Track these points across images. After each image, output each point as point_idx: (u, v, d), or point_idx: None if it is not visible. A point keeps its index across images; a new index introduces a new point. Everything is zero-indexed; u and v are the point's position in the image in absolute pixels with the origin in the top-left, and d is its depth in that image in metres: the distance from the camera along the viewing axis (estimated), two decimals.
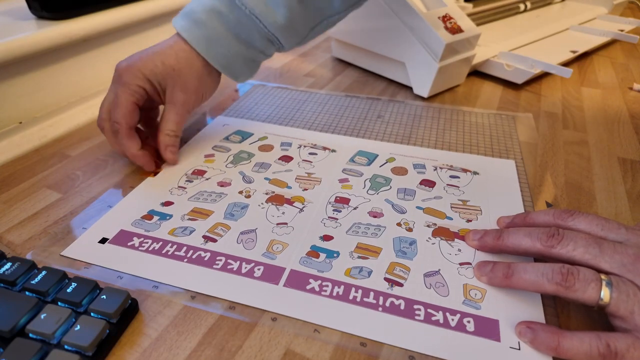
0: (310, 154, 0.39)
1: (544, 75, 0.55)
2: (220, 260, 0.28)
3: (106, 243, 0.29)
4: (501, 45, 0.56)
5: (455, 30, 0.46)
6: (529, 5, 0.68)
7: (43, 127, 0.42)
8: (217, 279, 0.27)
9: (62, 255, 0.29)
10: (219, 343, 0.24)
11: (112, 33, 0.50)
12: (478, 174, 0.37)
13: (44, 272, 0.25)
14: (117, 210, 0.33)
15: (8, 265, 0.26)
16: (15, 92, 0.43)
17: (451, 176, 0.37)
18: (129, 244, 0.29)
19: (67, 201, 0.34)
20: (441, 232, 0.31)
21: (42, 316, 0.23)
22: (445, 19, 0.47)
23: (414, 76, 0.50)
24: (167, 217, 0.32)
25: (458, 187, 0.35)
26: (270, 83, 0.54)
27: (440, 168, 0.38)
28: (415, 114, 0.47)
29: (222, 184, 0.35)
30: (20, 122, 0.43)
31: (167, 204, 0.33)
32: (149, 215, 0.32)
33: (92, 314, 0.24)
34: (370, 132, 0.43)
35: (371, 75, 0.56)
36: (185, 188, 0.35)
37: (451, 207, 0.33)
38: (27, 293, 0.25)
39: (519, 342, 0.23)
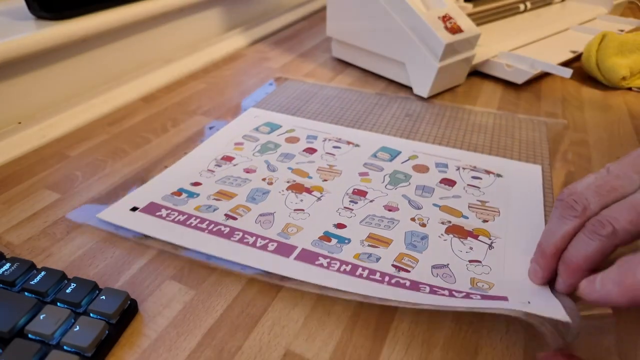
0: (334, 147, 0.41)
1: (544, 75, 0.55)
2: (238, 234, 0.30)
3: (136, 211, 0.32)
4: (501, 45, 0.55)
5: (455, 30, 0.46)
6: (529, 5, 0.67)
7: (42, 127, 0.42)
8: (233, 247, 0.29)
9: (98, 217, 0.31)
10: (219, 344, 0.24)
11: (112, 33, 0.50)
12: (501, 176, 0.37)
13: (43, 273, 0.25)
14: (150, 186, 0.35)
15: (7, 265, 0.26)
16: (14, 92, 0.43)
17: (473, 177, 0.37)
18: (157, 213, 0.32)
19: (67, 202, 0.34)
20: (455, 230, 0.31)
21: (42, 317, 0.23)
22: (445, 19, 0.47)
23: (414, 76, 0.50)
24: (195, 195, 0.34)
25: (479, 187, 0.35)
26: (306, 79, 0.54)
27: (463, 168, 0.38)
28: (442, 114, 0.47)
29: (247, 171, 0.37)
30: (19, 122, 0.43)
31: (196, 184, 0.35)
32: (179, 192, 0.34)
33: (91, 314, 0.24)
34: (396, 129, 0.44)
35: (371, 75, 0.56)
36: (213, 171, 0.37)
37: (469, 206, 0.33)
38: (26, 294, 0.25)
39: (528, 300, 0.24)
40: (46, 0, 0.43)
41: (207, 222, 0.31)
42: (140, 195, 0.34)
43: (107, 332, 0.23)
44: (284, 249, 0.29)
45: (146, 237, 0.30)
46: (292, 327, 0.25)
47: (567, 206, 0.25)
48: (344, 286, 0.25)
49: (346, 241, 0.30)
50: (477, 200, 0.34)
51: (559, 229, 0.25)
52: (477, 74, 0.55)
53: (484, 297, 0.25)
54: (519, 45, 0.57)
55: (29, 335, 0.22)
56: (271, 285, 0.27)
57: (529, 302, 0.24)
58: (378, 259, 0.28)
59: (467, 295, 0.25)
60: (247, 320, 0.25)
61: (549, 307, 0.23)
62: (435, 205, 0.33)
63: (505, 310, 0.22)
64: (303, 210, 0.33)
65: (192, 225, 0.31)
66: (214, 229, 0.30)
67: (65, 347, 0.22)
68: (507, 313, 0.22)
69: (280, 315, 0.25)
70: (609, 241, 0.22)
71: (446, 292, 0.25)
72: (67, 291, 0.24)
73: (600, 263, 0.23)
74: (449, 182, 0.36)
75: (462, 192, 0.35)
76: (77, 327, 0.23)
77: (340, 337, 0.24)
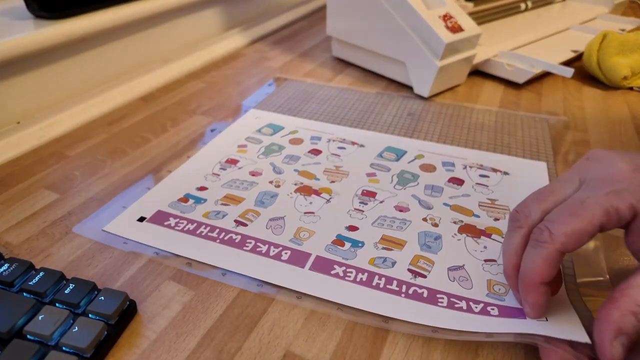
0: (339, 148, 0.40)
1: (545, 74, 0.54)
2: (250, 242, 0.29)
3: (144, 222, 0.31)
4: (502, 44, 0.55)
5: (456, 29, 0.46)
6: (529, 4, 0.67)
7: (41, 127, 0.42)
8: (247, 259, 0.28)
9: (104, 230, 0.31)
10: (218, 344, 0.24)
11: (111, 33, 0.50)
12: (508, 174, 0.37)
13: (41, 273, 0.25)
14: (155, 192, 0.34)
15: (6, 266, 0.26)
16: (13, 92, 0.43)
17: (481, 175, 0.37)
18: (165, 223, 0.31)
19: (66, 202, 0.34)
20: (467, 229, 0.31)
21: (40, 317, 0.23)
22: (446, 18, 0.47)
23: (415, 76, 0.50)
24: (202, 201, 0.33)
25: (487, 186, 0.35)
26: (305, 79, 0.54)
27: (470, 167, 0.38)
28: (444, 113, 0.47)
29: (253, 174, 0.37)
30: (19, 122, 0.43)
31: (202, 189, 0.35)
32: (185, 198, 0.34)
33: (90, 315, 0.24)
34: (399, 129, 0.44)
35: (371, 74, 0.56)
36: (219, 175, 0.37)
37: (479, 205, 0.33)
38: (24, 294, 0.25)
39: (546, 317, 0.23)
40: (45, 0, 0.43)
41: (217, 230, 0.30)
42: (146, 204, 0.33)
43: (106, 332, 0.23)
44: (298, 258, 0.28)
45: (157, 252, 0.29)
46: (291, 328, 0.24)
47: (512, 219, 0.24)
48: (363, 305, 0.25)
49: (360, 245, 0.29)
50: (487, 199, 0.34)
51: (509, 244, 0.24)
52: (478, 73, 0.55)
53: (501, 311, 0.25)
54: (519, 45, 0.57)
55: (28, 336, 0.22)
56: (272, 293, 0.27)
57: (546, 319, 0.23)
58: (394, 264, 0.28)
59: (485, 309, 0.25)
60: (246, 321, 0.25)
61: (568, 325, 0.23)
62: (445, 204, 0.33)
63: (523, 337, 0.22)
64: (313, 213, 0.32)
65: (203, 234, 0.30)
66: (225, 238, 0.30)
67: (64, 348, 0.22)
68: (525, 341, 0.22)
69: (279, 316, 0.25)
70: (551, 246, 0.21)
71: (463, 304, 0.25)
72: (66, 292, 0.24)
73: (553, 274, 0.22)
74: (457, 181, 0.36)
75: (471, 191, 0.35)
76: (76, 327, 0.22)
77: (340, 338, 0.24)
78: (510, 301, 0.25)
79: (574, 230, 0.21)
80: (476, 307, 0.25)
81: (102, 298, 0.24)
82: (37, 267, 0.26)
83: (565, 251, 0.21)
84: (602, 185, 0.21)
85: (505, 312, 0.24)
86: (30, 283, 0.25)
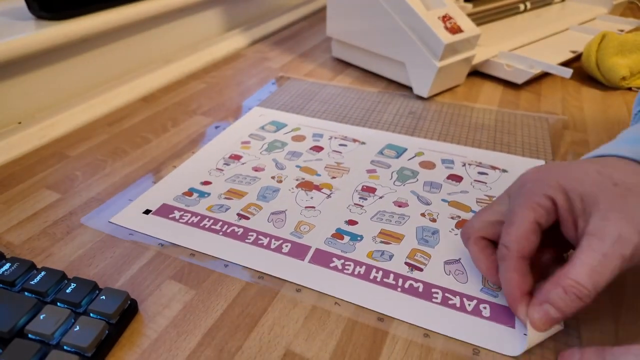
0: (340, 145, 0.41)
1: (544, 75, 0.55)
2: (252, 235, 0.30)
3: (150, 214, 0.32)
4: (501, 45, 0.55)
5: (455, 30, 0.46)
6: (528, 5, 0.67)
7: (42, 127, 0.42)
8: (248, 251, 0.29)
9: (110, 222, 0.31)
10: (219, 343, 0.24)
11: (112, 33, 0.50)
12: (507, 171, 0.37)
13: (43, 273, 0.25)
14: (160, 187, 0.35)
15: (7, 265, 0.26)
16: (14, 92, 0.43)
17: (479, 172, 0.37)
18: (170, 216, 0.32)
19: (67, 201, 0.34)
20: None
21: (42, 317, 0.23)
22: (445, 19, 0.47)
23: (414, 76, 0.50)
24: (206, 195, 0.34)
25: (485, 183, 0.36)
26: (309, 79, 0.54)
27: (469, 164, 0.38)
28: (444, 112, 0.47)
29: (256, 169, 0.37)
30: (20, 122, 0.43)
31: (206, 183, 0.36)
32: (189, 192, 0.35)
33: (91, 314, 0.24)
34: (400, 127, 0.44)
35: (371, 75, 0.56)
36: (222, 170, 0.37)
37: (477, 201, 0.34)
38: (26, 293, 0.25)
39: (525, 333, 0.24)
40: (46, 0, 0.43)
41: (220, 222, 0.31)
42: (151, 197, 0.34)
43: (107, 332, 0.23)
44: (298, 250, 0.29)
45: (162, 244, 0.30)
46: (292, 327, 0.25)
47: (462, 237, 0.28)
48: (359, 300, 0.26)
49: (359, 238, 0.30)
50: (485, 195, 0.34)
51: (473, 260, 0.27)
52: (477, 74, 0.55)
53: (492, 311, 0.25)
54: (519, 45, 0.57)
55: (29, 335, 0.22)
56: (272, 285, 0.27)
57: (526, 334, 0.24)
58: (391, 257, 0.29)
59: (477, 307, 0.25)
60: (247, 320, 0.25)
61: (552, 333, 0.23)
62: (444, 200, 0.34)
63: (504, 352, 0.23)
64: (314, 207, 0.33)
65: (206, 227, 0.31)
66: (228, 230, 0.31)
67: (65, 347, 0.22)
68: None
69: (280, 315, 0.25)
70: (510, 256, 0.23)
71: (457, 301, 0.25)
72: (67, 291, 0.24)
73: (529, 282, 0.23)
74: (456, 178, 0.36)
75: (470, 188, 0.35)
76: (77, 327, 0.23)
77: (340, 337, 0.24)
78: (503, 299, 0.26)
79: (518, 236, 0.23)
80: (469, 305, 0.25)
81: (103, 297, 0.24)
82: (39, 266, 0.26)
83: (525, 255, 0.23)
84: (518, 191, 0.25)
85: (497, 313, 0.25)
86: (32, 282, 0.25)
